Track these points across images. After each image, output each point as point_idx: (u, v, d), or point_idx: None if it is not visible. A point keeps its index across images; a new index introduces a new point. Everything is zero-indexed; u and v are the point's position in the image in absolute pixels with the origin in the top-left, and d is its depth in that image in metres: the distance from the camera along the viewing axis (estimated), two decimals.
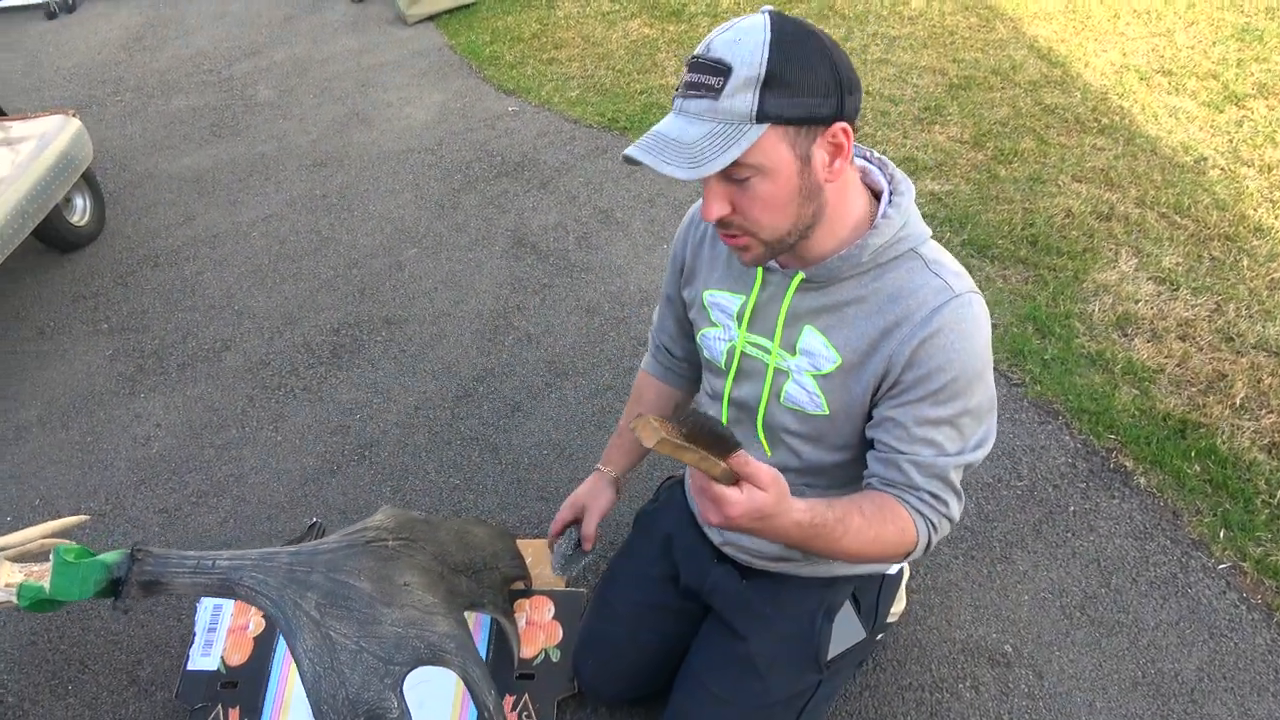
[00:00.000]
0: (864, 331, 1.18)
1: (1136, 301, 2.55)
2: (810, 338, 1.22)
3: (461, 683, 1.36)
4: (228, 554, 1.28)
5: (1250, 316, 2.47)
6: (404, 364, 2.62)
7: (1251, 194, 2.94)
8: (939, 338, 1.13)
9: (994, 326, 2.47)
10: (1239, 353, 2.37)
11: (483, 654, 1.77)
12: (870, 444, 1.26)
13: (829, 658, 1.46)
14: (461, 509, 2.16)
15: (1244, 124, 3.32)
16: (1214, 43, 3.89)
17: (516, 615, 1.82)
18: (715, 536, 1.54)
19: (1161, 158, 3.17)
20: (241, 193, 3.53)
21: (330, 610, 1.25)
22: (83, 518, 1.97)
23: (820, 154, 1.06)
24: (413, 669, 1.25)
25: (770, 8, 1.05)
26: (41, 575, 1.27)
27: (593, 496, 1.68)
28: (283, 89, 4.35)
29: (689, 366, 1.63)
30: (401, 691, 1.23)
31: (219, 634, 1.83)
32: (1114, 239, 2.80)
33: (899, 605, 1.74)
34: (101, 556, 1.23)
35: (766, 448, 1.35)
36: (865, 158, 1.22)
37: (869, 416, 1.24)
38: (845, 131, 1.05)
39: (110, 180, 3.63)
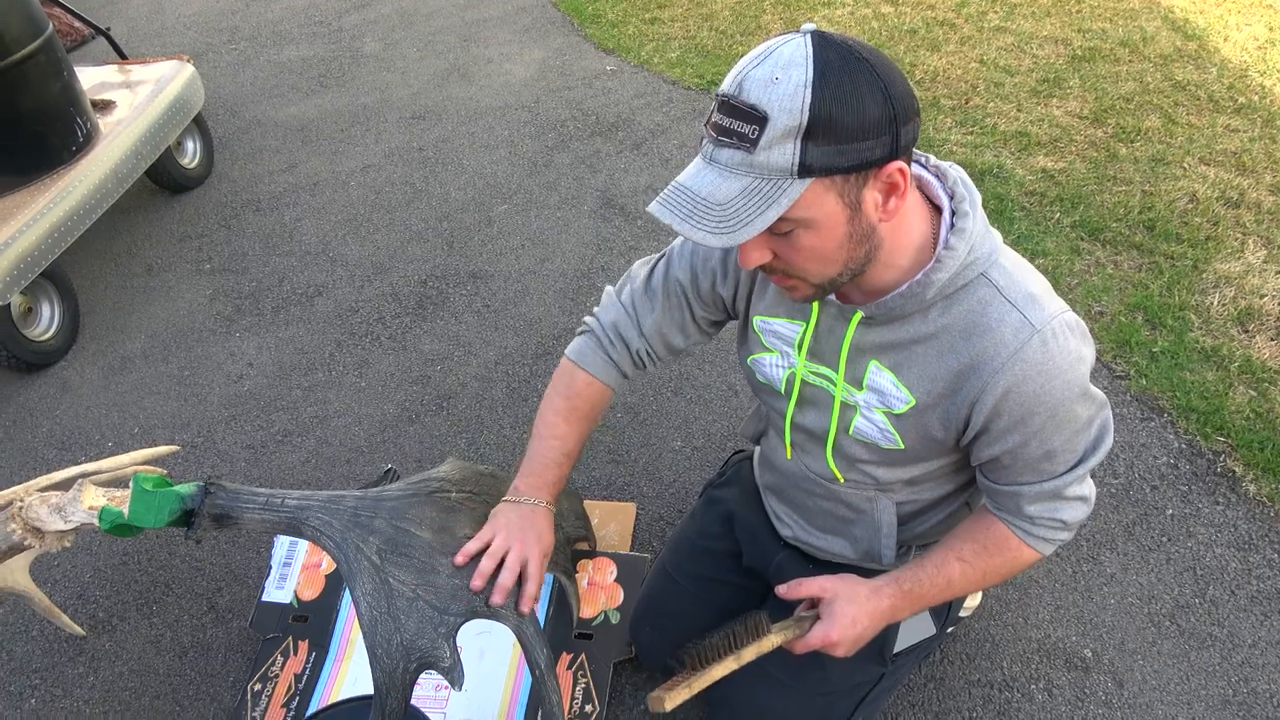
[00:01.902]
0: (937, 372, 1.07)
1: (1262, 296, 2.37)
2: (878, 375, 1.12)
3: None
4: (297, 494, 1.31)
5: None
6: (486, 318, 2.64)
7: None
8: (1024, 385, 1.02)
9: (1100, 315, 2.36)
10: None
11: (543, 611, 1.78)
12: (962, 462, 1.20)
13: (895, 651, 1.40)
14: None
15: None
16: None
17: (579, 575, 1.82)
18: (784, 531, 1.49)
19: None
20: (343, 143, 3.60)
21: (391, 556, 1.26)
22: (174, 448, 2.05)
23: (873, 196, 0.93)
24: (466, 620, 1.25)
25: (812, 28, 0.89)
26: (122, 501, 1.32)
27: (540, 541, 1.30)
28: (388, 42, 4.41)
29: (644, 368, 1.43)
30: (455, 642, 1.23)
31: (294, 569, 1.90)
32: (1242, 227, 2.61)
33: (974, 600, 1.67)
34: (177, 487, 1.27)
35: (838, 474, 1.27)
36: (922, 164, 1.07)
37: (956, 447, 1.16)
38: (901, 171, 0.91)
39: (220, 125, 3.75)
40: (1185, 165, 2.87)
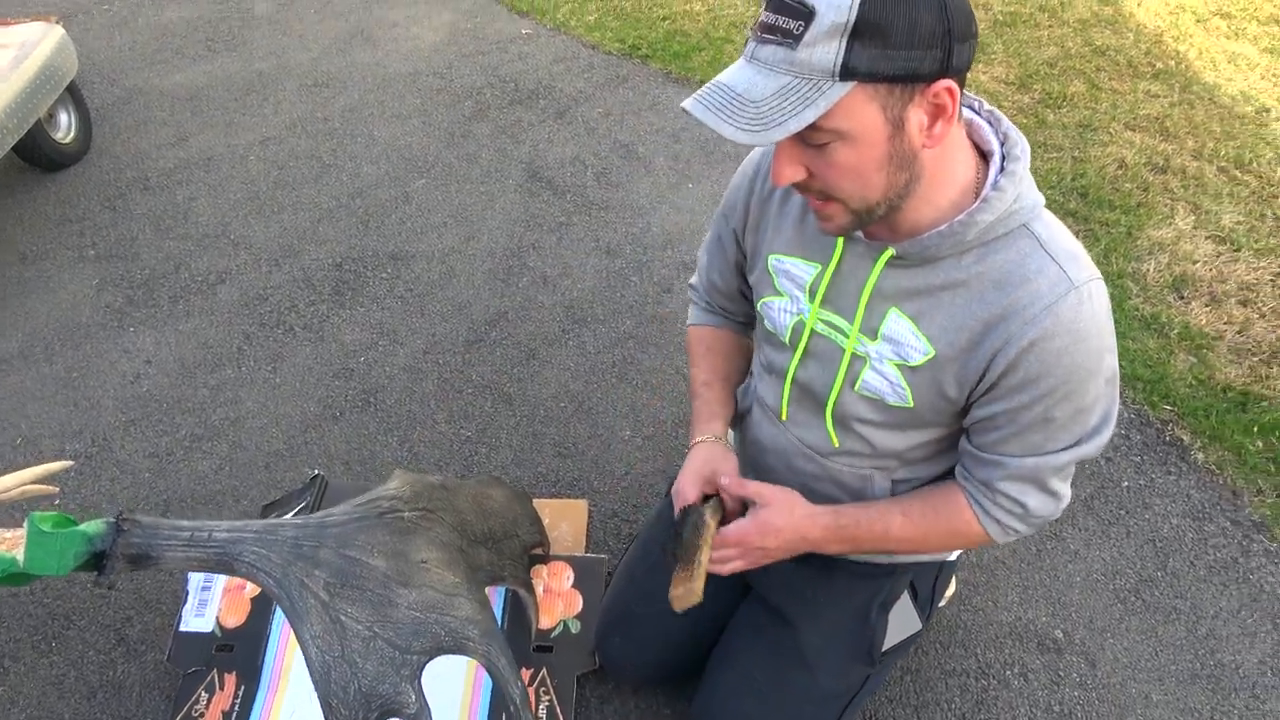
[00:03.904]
0: (962, 322, 1.01)
1: (1194, 262, 2.40)
2: (897, 323, 1.05)
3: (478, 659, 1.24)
4: (226, 525, 1.14)
5: None
6: (411, 304, 2.46)
7: None
8: (1051, 341, 0.96)
9: None
10: None
11: (498, 624, 1.65)
12: (962, 429, 1.12)
13: (883, 650, 1.34)
14: (473, 464, 2.03)
15: None
16: None
17: (535, 581, 1.70)
18: None
19: (1220, 107, 2.98)
20: (238, 113, 3.31)
21: (341, 591, 1.12)
22: (66, 463, 1.82)
23: (918, 116, 0.88)
24: (432, 658, 1.12)
25: None
26: (14, 544, 1.13)
27: (720, 460, 1.28)
28: (281, 2, 4.09)
29: (746, 318, 1.42)
30: (420, 684, 1.10)
31: (214, 594, 1.71)
32: (1170, 193, 2.63)
33: (949, 589, 1.62)
34: (83, 526, 1.09)
35: (834, 437, 1.19)
36: (974, 109, 1.02)
37: (963, 412, 1.09)
38: (950, 91, 0.86)
39: (97, 95, 3.40)
40: (1112, 131, 2.89)
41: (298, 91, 3.41)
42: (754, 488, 1.19)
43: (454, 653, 1.13)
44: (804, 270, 1.12)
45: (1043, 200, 1.00)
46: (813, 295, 1.11)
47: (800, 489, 1.32)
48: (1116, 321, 2.21)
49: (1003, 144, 0.99)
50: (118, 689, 1.67)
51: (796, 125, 0.84)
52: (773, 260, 1.16)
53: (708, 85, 0.89)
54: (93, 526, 1.10)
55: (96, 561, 1.09)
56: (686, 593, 1.14)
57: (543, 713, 1.55)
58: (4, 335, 2.45)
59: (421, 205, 2.80)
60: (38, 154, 2.92)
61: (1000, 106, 3.03)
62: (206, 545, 1.12)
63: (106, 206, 2.88)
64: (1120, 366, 2.12)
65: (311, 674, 1.08)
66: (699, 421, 1.35)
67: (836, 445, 1.20)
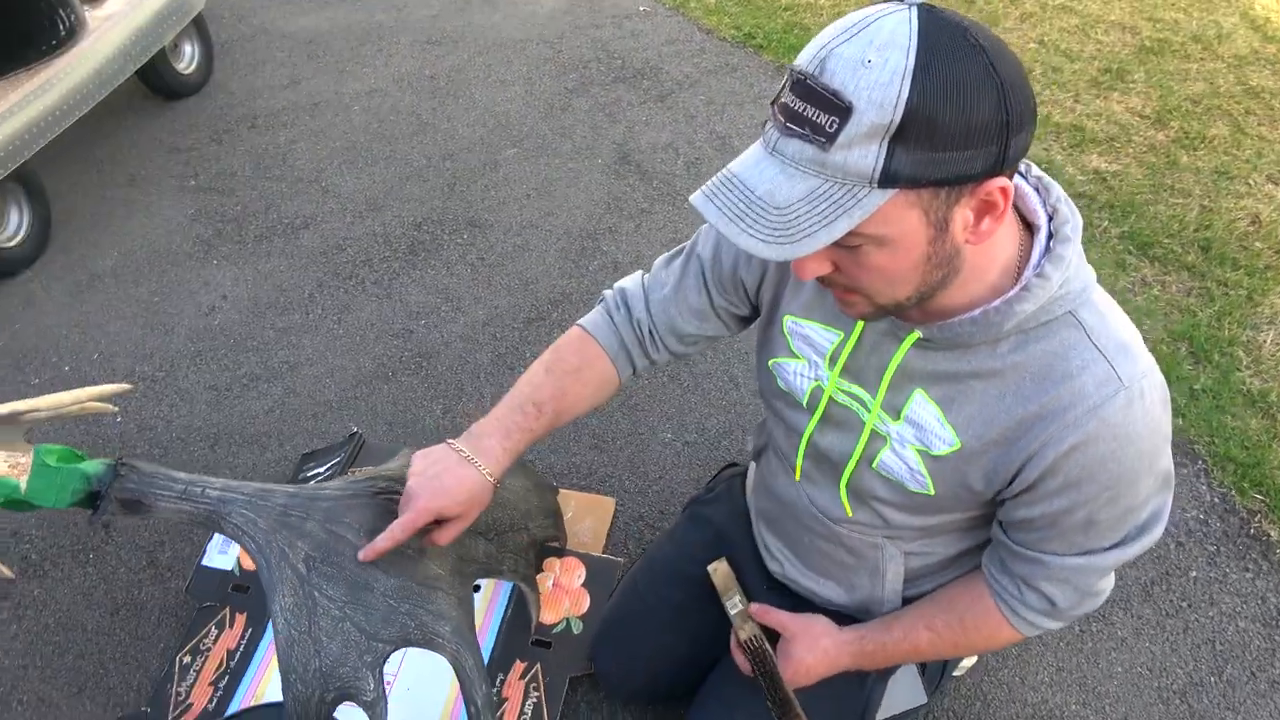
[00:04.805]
0: (994, 416, 0.90)
1: None
2: (922, 407, 0.95)
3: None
4: (220, 483, 1.15)
5: None
6: (480, 272, 2.46)
7: None
8: (1094, 446, 0.85)
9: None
10: None
11: (499, 614, 1.63)
12: (990, 517, 1.03)
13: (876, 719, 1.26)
14: None
15: None
16: None
17: (545, 574, 1.67)
18: (773, 566, 1.33)
19: None
20: (351, 62, 3.37)
21: (319, 567, 1.11)
22: (126, 386, 1.89)
23: (963, 215, 0.76)
24: (397, 649, 1.11)
25: (920, 1, 0.71)
26: (23, 471, 1.16)
27: (471, 503, 1.10)
28: None
29: (656, 354, 1.25)
30: (381, 673, 1.09)
31: None
32: None
33: (969, 660, 1.52)
34: (84, 465, 1.12)
35: (848, 508, 1.11)
36: (1021, 174, 0.89)
37: (992, 501, 0.99)
38: (1004, 190, 0.75)
39: (223, 31, 3.52)
40: (1251, 182, 2.64)
41: (410, 46, 3.44)
42: (776, 618, 1.22)
43: (421, 646, 1.12)
44: (825, 337, 1.02)
45: (1093, 279, 0.88)
46: (833, 363, 1.02)
47: (807, 548, 1.24)
48: (1217, 394, 2.04)
49: (1051, 218, 0.87)
50: (138, 610, 1.73)
51: (828, 237, 0.73)
52: (789, 322, 1.06)
53: (720, 177, 0.78)
54: (93, 466, 1.12)
55: (92, 499, 1.12)
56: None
57: (529, 709, 1.52)
58: (102, 253, 2.56)
59: (508, 175, 2.79)
60: (159, 82, 3.05)
61: (1130, 141, 2.82)
62: (198, 500, 1.13)
63: (214, 140, 2.98)
64: (1214, 445, 1.95)
65: (276, 643, 1.08)
66: (495, 434, 1.12)
67: (850, 515, 1.12)
